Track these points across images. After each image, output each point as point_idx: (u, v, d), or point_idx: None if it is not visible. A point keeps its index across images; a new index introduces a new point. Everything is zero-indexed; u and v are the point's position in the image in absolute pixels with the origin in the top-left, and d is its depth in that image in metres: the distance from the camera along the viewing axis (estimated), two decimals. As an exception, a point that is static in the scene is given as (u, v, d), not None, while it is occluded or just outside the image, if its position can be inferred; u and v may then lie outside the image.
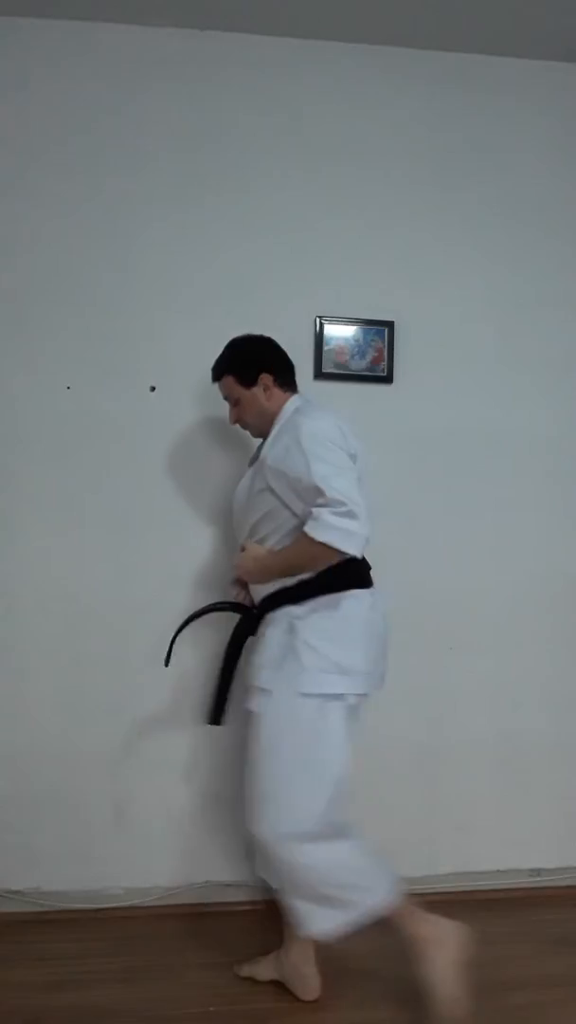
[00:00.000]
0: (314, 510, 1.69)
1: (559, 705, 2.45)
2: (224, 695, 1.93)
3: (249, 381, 1.91)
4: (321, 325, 2.34)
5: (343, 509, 1.67)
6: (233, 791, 2.25)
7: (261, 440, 1.97)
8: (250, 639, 1.92)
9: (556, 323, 2.47)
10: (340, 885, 1.72)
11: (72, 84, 2.30)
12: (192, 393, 2.29)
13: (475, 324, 2.43)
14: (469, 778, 2.38)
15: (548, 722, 2.44)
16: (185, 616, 1.99)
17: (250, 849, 1.90)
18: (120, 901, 2.24)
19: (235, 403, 1.96)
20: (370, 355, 2.37)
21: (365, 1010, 1.82)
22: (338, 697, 1.74)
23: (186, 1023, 1.77)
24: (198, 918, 2.22)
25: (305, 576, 1.79)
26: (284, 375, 1.95)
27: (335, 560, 1.72)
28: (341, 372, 2.35)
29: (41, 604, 2.25)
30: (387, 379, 2.38)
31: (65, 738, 2.24)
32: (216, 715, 1.94)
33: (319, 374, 2.34)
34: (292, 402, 1.91)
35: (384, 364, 2.37)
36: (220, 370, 1.96)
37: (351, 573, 1.80)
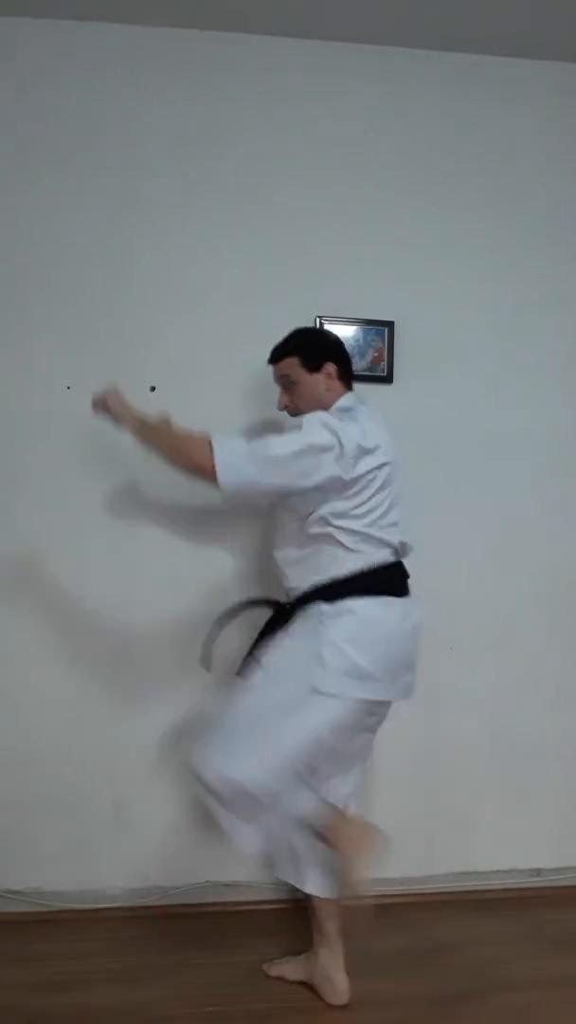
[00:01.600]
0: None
1: (559, 705, 2.45)
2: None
3: (314, 366, 1.89)
4: (321, 325, 2.34)
5: (258, 453, 1.69)
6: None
7: None
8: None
9: (556, 323, 2.47)
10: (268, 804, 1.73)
11: (72, 84, 2.30)
12: (192, 393, 2.29)
13: (475, 324, 2.43)
14: (469, 778, 2.38)
15: (548, 722, 2.44)
16: (217, 616, 1.99)
17: (270, 854, 1.90)
18: (120, 901, 2.25)
19: (290, 386, 1.92)
20: (370, 355, 2.37)
21: (365, 1010, 1.82)
22: (350, 700, 1.73)
23: (186, 1023, 1.77)
24: (198, 918, 2.22)
25: (340, 575, 1.77)
26: (346, 371, 1.95)
27: (201, 477, 1.72)
28: (341, 372, 2.35)
29: (41, 604, 2.25)
30: (387, 379, 2.38)
31: (65, 738, 2.24)
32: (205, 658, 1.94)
33: (319, 374, 2.34)
34: (346, 398, 1.91)
35: (384, 364, 2.37)
36: (284, 351, 1.93)
37: (386, 579, 1.81)
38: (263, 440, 1.74)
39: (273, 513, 1.93)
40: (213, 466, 1.69)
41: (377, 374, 2.37)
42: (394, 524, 1.85)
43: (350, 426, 1.77)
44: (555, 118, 2.48)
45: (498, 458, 2.43)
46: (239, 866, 2.25)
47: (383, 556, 1.82)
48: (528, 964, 2.01)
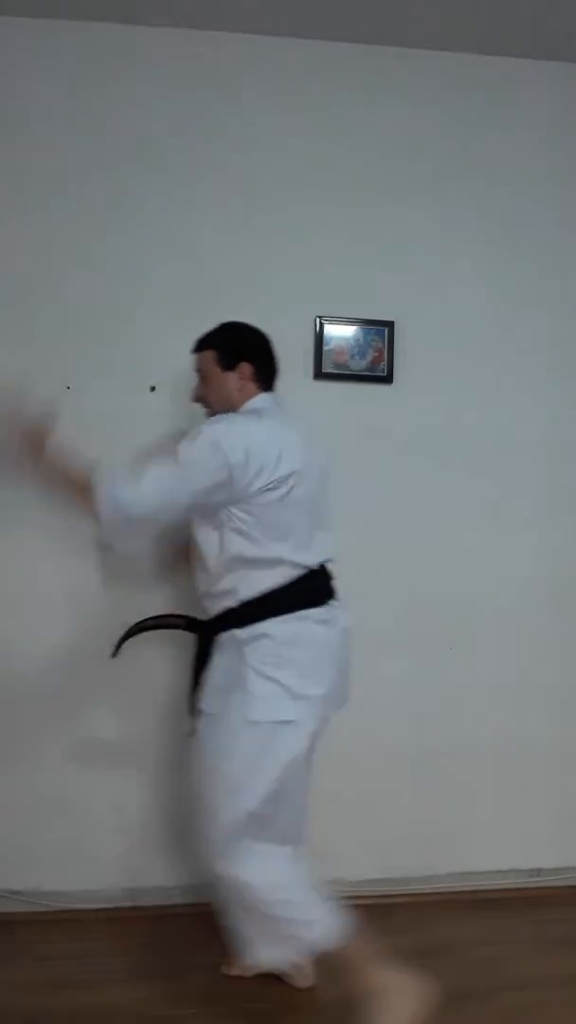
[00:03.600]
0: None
1: (559, 705, 2.45)
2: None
3: (229, 364, 1.85)
4: (321, 325, 2.34)
5: (137, 482, 1.67)
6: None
7: None
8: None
9: (556, 323, 2.47)
10: (281, 913, 1.65)
11: (72, 84, 2.30)
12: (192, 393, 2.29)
13: (475, 324, 2.43)
14: (469, 778, 2.38)
15: (548, 722, 2.44)
16: (138, 622, 2.00)
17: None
18: (120, 901, 2.25)
19: (204, 379, 1.90)
20: (370, 355, 2.37)
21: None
22: (289, 723, 1.67)
23: (186, 1023, 1.77)
24: (198, 918, 2.21)
25: (249, 596, 1.71)
26: (264, 373, 1.89)
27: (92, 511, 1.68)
28: (341, 372, 2.35)
29: (40, 604, 2.25)
30: (387, 379, 2.38)
31: (65, 738, 2.24)
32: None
33: (319, 374, 2.34)
34: (259, 399, 1.85)
35: (384, 364, 2.37)
36: (204, 343, 1.90)
37: (300, 591, 1.74)
38: (154, 461, 1.74)
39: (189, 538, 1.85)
40: (95, 502, 1.68)
41: (377, 374, 2.37)
42: (307, 547, 1.76)
43: (246, 434, 1.70)
44: (555, 118, 2.48)
45: (498, 458, 2.43)
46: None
47: (296, 573, 1.74)
48: (528, 964, 2.01)
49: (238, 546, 1.72)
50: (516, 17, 2.28)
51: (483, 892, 2.36)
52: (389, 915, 2.21)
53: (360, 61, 2.40)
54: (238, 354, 1.87)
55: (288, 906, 1.65)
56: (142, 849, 2.26)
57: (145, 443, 2.28)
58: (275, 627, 1.70)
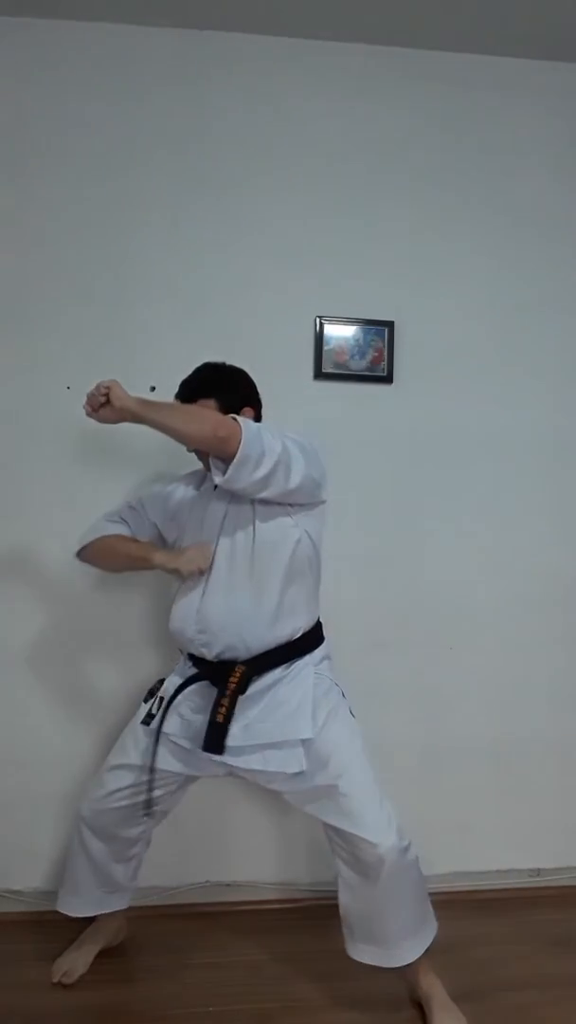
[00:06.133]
0: None
1: (559, 705, 2.45)
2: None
3: (232, 411, 1.77)
4: (321, 325, 2.34)
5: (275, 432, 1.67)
6: (233, 792, 2.26)
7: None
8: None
9: (556, 323, 2.47)
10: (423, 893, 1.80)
11: (71, 84, 2.30)
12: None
13: (475, 324, 2.43)
14: (469, 778, 2.38)
15: (548, 722, 2.44)
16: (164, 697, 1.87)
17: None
18: (120, 901, 2.24)
19: None
20: (370, 355, 2.37)
21: (365, 1010, 1.82)
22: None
23: (186, 1023, 1.77)
24: (198, 918, 2.22)
25: (304, 630, 1.80)
26: (260, 414, 1.90)
27: (216, 443, 1.60)
28: (341, 372, 2.35)
29: (41, 604, 2.25)
30: (387, 379, 2.38)
31: (65, 738, 2.24)
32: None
33: (319, 374, 2.34)
34: None
35: (384, 364, 2.37)
36: (200, 391, 1.82)
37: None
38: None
39: (233, 552, 1.77)
40: (235, 429, 1.59)
41: (377, 374, 2.37)
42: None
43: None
44: (555, 118, 2.48)
45: (498, 458, 2.43)
46: (239, 866, 2.25)
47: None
48: (528, 964, 2.01)
49: (312, 564, 1.81)
50: (516, 17, 2.28)
51: (483, 892, 2.36)
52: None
53: (360, 61, 2.40)
54: (242, 399, 1.85)
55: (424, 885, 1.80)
56: (142, 849, 2.26)
57: (145, 443, 2.28)
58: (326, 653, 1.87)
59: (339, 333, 2.36)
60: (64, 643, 2.26)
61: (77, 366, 2.26)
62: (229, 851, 2.27)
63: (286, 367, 2.33)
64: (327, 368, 2.35)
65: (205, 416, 1.67)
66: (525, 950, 2.07)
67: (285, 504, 1.75)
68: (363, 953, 1.75)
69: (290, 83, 2.38)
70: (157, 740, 1.78)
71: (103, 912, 1.95)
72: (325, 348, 2.35)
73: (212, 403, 1.81)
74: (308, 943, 2.05)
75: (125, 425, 2.26)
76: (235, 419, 1.63)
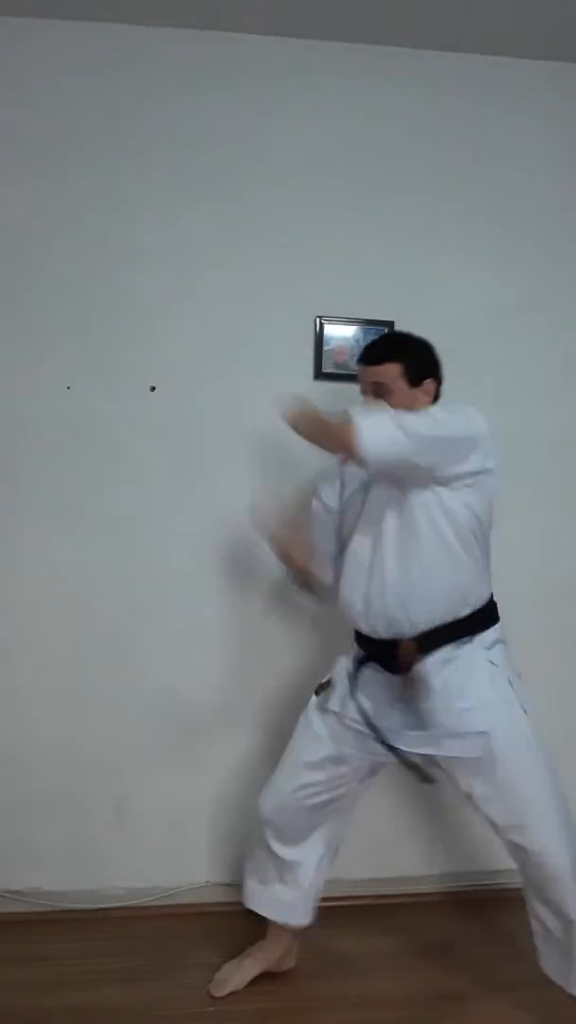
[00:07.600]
0: None
1: (558, 705, 2.44)
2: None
3: (416, 380, 1.74)
4: (321, 325, 2.34)
5: (410, 428, 1.55)
6: (233, 791, 2.26)
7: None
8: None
9: (556, 324, 2.47)
10: None
11: (72, 84, 2.29)
12: (192, 393, 2.29)
13: (475, 324, 2.43)
14: (469, 778, 2.38)
15: (547, 722, 2.43)
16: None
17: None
18: (120, 901, 2.25)
19: (385, 395, 1.74)
20: (370, 355, 2.37)
21: (365, 1010, 1.82)
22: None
23: (186, 1023, 1.77)
24: (198, 918, 2.22)
25: (472, 608, 1.77)
26: (440, 387, 1.83)
27: (341, 448, 1.58)
28: (341, 372, 2.35)
29: (41, 604, 2.25)
30: (387, 379, 2.38)
31: (65, 738, 2.24)
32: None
33: (319, 374, 2.34)
34: None
35: (384, 364, 2.37)
36: (387, 354, 1.75)
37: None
38: (414, 416, 1.63)
39: (380, 521, 1.73)
40: (358, 445, 1.53)
41: (377, 374, 2.37)
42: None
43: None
44: (555, 118, 2.48)
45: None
46: (239, 866, 2.25)
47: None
48: (528, 964, 2.00)
49: (478, 539, 1.79)
50: (516, 17, 2.28)
51: (483, 892, 2.36)
52: (389, 915, 2.21)
53: (360, 61, 2.40)
54: (427, 370, 1.79)
55: None
56: (142, 849, 2.26)
57: (145, 443, 2.29)
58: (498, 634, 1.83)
59: (339, 333, 2.36)
60: (65, 642, 2.25)
61: (77, 366, 2.27)
62: (229, 851, 2.27)
63: (286, 367, 2.33)
64: (327, 368, 2.35)
65: (330, 434, 1.60)
66: (525, 950, 2.07)
67: (447, 478, 1.69)
68: None
69: (290, 83, 2.37)
70: (357, 702, 1.76)
71: (276, 920, 1.91)
72: (325, 348, 2.35)
73: (398, 368, 1.75)
74: (308, 943, 2.04)
75: (123, 426, 2.28)
76: (357, 428, 1.54)
